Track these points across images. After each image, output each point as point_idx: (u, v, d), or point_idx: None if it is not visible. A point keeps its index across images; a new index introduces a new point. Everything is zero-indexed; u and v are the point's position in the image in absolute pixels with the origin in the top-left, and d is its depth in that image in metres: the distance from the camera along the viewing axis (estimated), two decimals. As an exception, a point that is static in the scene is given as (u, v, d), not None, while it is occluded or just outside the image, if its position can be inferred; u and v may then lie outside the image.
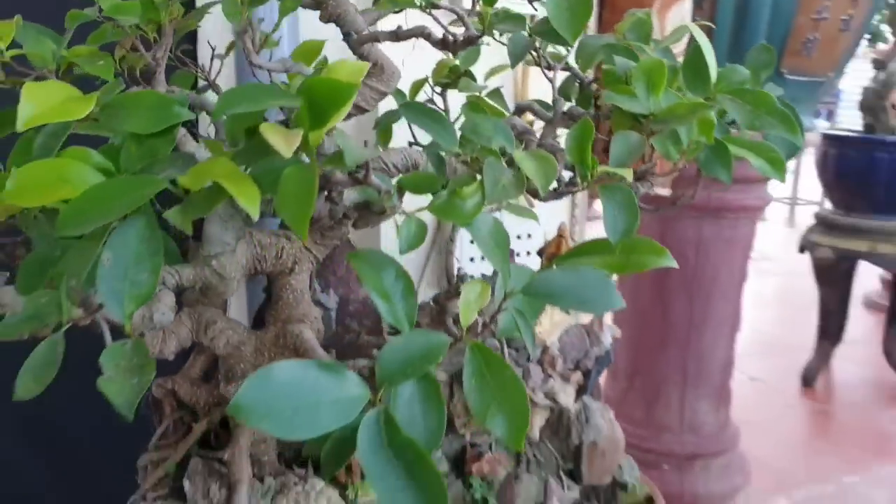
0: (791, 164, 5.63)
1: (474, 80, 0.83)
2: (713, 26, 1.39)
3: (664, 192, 1.56)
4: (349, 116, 0.63)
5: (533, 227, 1.31)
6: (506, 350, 0.81)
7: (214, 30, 0.85)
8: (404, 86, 0.76)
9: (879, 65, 2.58)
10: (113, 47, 0.64)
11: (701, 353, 1.82)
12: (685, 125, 0.65)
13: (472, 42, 0.60)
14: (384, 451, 0.48)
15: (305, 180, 0.40)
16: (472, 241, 1.18)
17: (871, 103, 2.55)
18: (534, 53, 0.75)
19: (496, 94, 0.82)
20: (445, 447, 0.83)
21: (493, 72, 0.85)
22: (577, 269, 0.62)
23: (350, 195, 0.56)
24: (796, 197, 5.80)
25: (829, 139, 2.62)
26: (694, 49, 0.68)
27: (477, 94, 0.81)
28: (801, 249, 2.75)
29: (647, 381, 1.86)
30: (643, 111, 0.64)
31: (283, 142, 0.39)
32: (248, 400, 0.45)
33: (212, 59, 0.71)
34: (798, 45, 1.49)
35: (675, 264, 0.64)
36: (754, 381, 2.82)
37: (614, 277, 0.65)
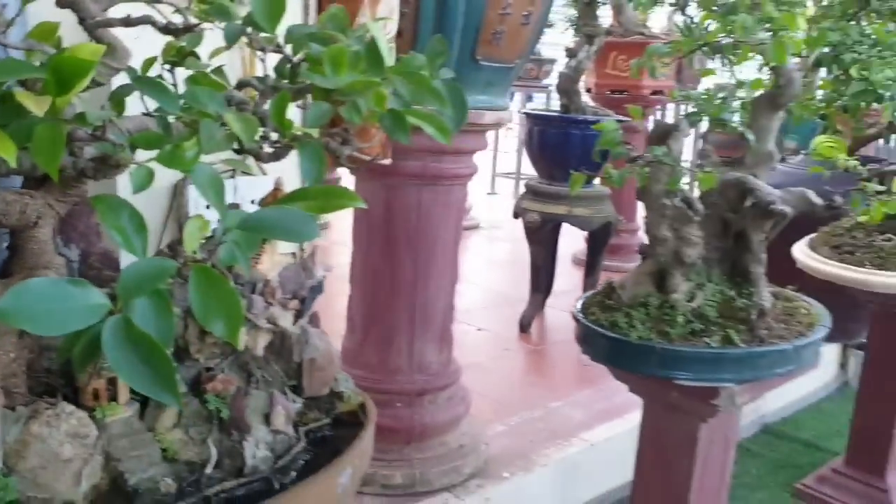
0: (516, 142, 6.22)
1: (199, 59, 0.97)
2: (395, 20, 1.60)
3: (387, 162, 1.77)
4: (87, 89, 0.75)
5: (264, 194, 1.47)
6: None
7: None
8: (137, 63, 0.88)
9: (571, 53, 3.00)
10: None
11: (426, 303, 2.06)
12: (363, 98, 0.84)
13: (190, 29, 0.74)
14: (124, 344, 0.63)
15: (55, 132, 0.53)
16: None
17: (566, 86, 2.97)
18: (248, 38, 0.90)
19: (219, 71, 0.97)
20: (184, 373, 0.97)
21: (215, 52, 0.99)
22: (284, 209, 0.79)
23: (88, 150, 0.69)
24: (520, 172, 6.41)
25: (532, 118, 3.01)
26: (371, 40, 0.87)
27: (202, 71, 0.95)
28: (515, 215, 3.15)
29: (381, 330, 2.06)
30: (331, 86, 0.82)
31: (35, 104, 0.53)
32: (11, 305, 0.57)
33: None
34: (489, 36, 1.74)
35: (364, 205, 0.84)
36: (481, 331, 3.19)
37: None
